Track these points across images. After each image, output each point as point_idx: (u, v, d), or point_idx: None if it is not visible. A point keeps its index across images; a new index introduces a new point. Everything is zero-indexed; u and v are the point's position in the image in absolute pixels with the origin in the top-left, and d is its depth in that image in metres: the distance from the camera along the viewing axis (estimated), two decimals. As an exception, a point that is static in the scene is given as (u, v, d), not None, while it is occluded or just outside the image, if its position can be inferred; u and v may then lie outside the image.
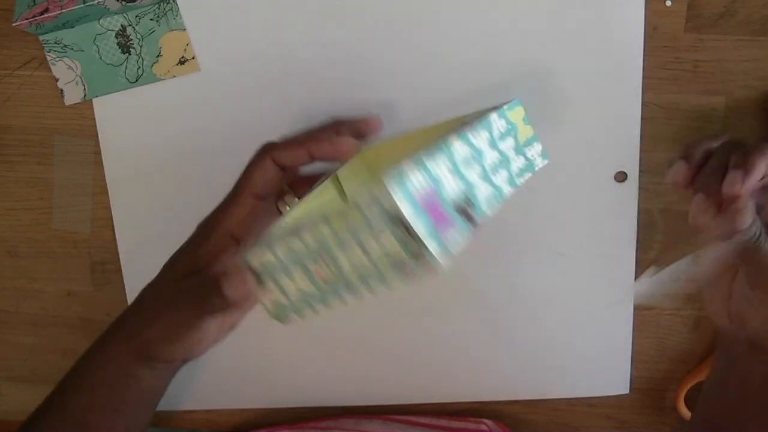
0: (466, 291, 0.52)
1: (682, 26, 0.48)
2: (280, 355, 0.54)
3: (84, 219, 0.52)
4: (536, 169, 0.42)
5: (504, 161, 0.40)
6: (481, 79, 0.48)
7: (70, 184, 0.51)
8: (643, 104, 0.49)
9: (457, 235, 0.33)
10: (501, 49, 0.48)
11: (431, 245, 0.31)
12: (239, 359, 0.54)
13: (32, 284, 0.53)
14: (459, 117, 0.43)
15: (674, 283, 0.43)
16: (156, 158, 0.50)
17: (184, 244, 0.43)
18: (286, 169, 0.41)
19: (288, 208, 0.43)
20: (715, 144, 0.40)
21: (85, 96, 0.49)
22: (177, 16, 0.47)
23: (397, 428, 0.53)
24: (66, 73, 0.48)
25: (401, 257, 0.32)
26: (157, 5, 0.47)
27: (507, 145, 0.40)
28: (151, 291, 0.43)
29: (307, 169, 0.43)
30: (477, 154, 0.37)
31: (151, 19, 0.47)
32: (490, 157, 0.39)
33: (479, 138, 0.38)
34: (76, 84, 0.49)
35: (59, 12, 0.44)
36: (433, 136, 0.39)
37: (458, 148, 0.36)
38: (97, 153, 0.50)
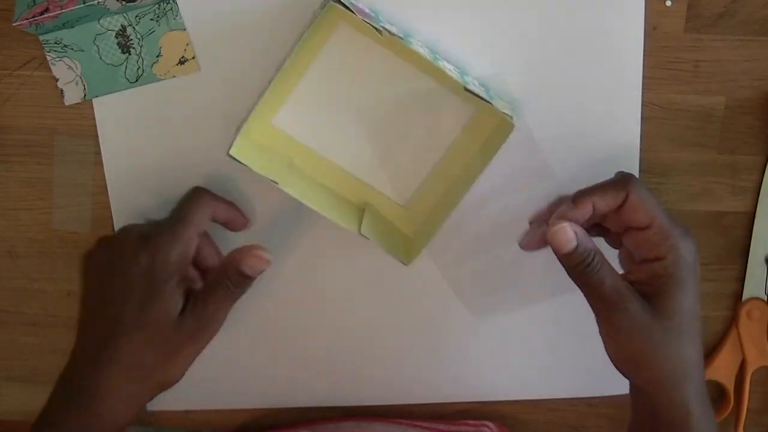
0: (465, 291, 0.52)
1: (682, 26, 0.48)
2: (280, 356, 0.54)
3: (84, 219, 0.52)
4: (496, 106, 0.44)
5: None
6: (480, 79, 0.48)
7: (70, 184, 0.51)
8: (643, 104, 0.49)
9: None
10: (501, 49, 0.48)
11: None
12: (239, 359, 0.54)
13: (32, 284, 0.53)
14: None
15: None
16: (156, 158, 0.50)
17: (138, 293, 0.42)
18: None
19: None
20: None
21: (85, 96, 0.49)
22: (177, 16, 0.47)
23: (398, 431, 0.53)
24: (66, 73, 0.48)
25: None
26: (157, 5, 0.47)
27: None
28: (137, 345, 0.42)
29: None
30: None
31: (151, 19, 0.47)
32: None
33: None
34: (76, 84, 0.49)
35: (59, 12, 0.44)
36: None
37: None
38: (97, 153, 0.50)
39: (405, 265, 0.48)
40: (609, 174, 0.50)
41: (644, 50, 0.48)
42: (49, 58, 0.48)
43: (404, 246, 0.49)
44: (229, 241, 0.47)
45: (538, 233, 0.47)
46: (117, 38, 0.48)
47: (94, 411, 0.41)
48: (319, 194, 0.48)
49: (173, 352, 0.42)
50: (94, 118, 0.50)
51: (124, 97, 0.49)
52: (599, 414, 0.56)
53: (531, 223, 0.49)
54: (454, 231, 0.51)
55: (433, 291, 0.52)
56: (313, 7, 0.46)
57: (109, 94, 0.49)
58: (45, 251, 0.52)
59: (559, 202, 0.47)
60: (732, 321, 0.54)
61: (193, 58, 0.48)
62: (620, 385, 0.53)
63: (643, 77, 0.49)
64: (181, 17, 0.47)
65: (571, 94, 0.49)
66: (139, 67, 0.48)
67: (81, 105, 0.49)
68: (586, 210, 0.43)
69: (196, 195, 0.46)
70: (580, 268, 0.41)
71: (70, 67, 0.48)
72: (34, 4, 0.44)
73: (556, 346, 0.54)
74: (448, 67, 0.45)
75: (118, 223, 0.51)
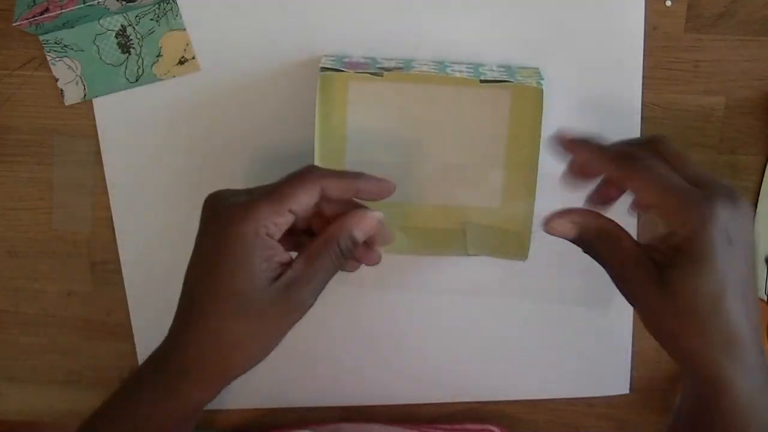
0: (465, 290, 0.52)
1: (682, 26, 0.48)
2: (280, 356, 0.54)
3: (84, 219, 0.52)
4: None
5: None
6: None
7: (70, 184, 0.51)
8: (643, 104, 0.49)
9: None
10: (500, 49, 0.48)
11: None
12: (239, 359, 0.54)
13: (32, 284, 0.53)
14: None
15: None
16: (156, 158, 0.50)
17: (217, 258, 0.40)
18: (326, 200, 0.41)
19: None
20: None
21: (85, 96, 0.49)
22: (177, 16, 0.47)
23: None
24: (66, 73, 0.48)
25: None
26: (157, 5, 0.47)
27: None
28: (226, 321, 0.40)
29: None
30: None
31: (151, 19, 0.47)
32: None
33: None
34: (76, 84, 0.49)
35: (59, 12, 0.44)
36: None
37: None
38: (97, 153, 0.50)
39: (523, 261, 0.47)
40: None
41: (644, 50, 0.48)
42: (49, 58, 0.48)
43: (516, 243, 0.49)
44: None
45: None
46: (117, 38, 0.48)
47: (179, 382, 0.41)
48: (416, 238, 0.49)
49: (264, 325, 0.40)
50: (94, 118, 0.50)
51: (124, 97, 0.49)
52: (599, 414, 0.56)
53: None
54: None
55: (433, 291, 0.52)
56: (313, 7, 0.46)
57: (109, 94, 0.49)
58: (45, 251, 0.52)
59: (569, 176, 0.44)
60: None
61: (193, 58, 0.48)
62: (620, 385, 0.53)
63: (643, 77, 0.49)
64: (181, 17, 0.47)
65: (571, 93, 0.49)
66: (139, 67, 0.48)
67: (81, 105, 0.49)
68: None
69: (302, 170, 0.41)
70: (593, 246, 0.40)
71: (70, 67, 0.48)
72: (34, 4, 0.44)
73: (556, 346, 0.54)
74: (458, 70, 0.46)
75: (118, 223, 0.51)
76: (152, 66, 0.48)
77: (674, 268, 0.36)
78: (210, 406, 0.55)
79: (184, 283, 0.41)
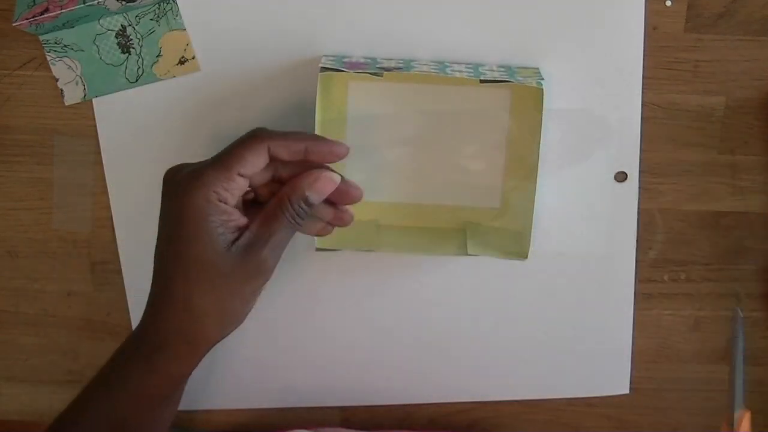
0: (465, 290, 0.52)
1: (682, 26, 0.48)
2: (279, 355, 0.54)
3: (84, 219, 0.52)
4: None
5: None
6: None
7: (70, 184, 0.51)
8: (643, 104, 0.49)
9: None
10: (500, 49, 0.48)
11: None
12: (238, 359, 0.54)
13: (32, 284, 0.53)
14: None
15: None
16: (156, 158, 0.50)
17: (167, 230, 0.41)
18: (275, 161, 0.41)
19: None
20: None
21: (85, 96, 0.49)
22: (177, 16, 0.47)
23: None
24: (66, 73, 0.48)
25: None
26: (157, 5, 0.47)
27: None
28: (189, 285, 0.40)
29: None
30: None
31: (151, 19, 0.47)
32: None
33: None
34: (76, 84, 0.49)
35: (59, 12, 0.44)
36: None
37: None
38: (97, 153, 0.50)
39: (523, 260, 0.47)
40: (609, 174, 0.50)
41: (644, 50, 0.48)
42: (49, 58, 0.48)
43: (516, 243, 0.49)
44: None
45: None
46: (117, 38, 0.48)
47: (155, 356, 0.41)
48: (416, 237, 0.49)
49: (229, 289, 0.40)
50: (94, 118, 0.50)
51: (124, 97, 0.49)
52: (599, 414, 0.56)
53: None
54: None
55: (434, 291, 0.52)
56: (313, 6, 0.46)
57: (109, 94, 0.49)
58: (45, 251, 0.52)
59: None
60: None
61: (193, 58, 0.48)
62: (620, 385, 0.53)
63: (643, 77, 0.49)
64: (181, 17, 0.47)
65: (571, 94, 0.49)
66: (139, 67, 0.48)
67: (81, 105, 0.49)
68: None
69: (249, 133, 0.42)
70: None
71: (70, 67, 0.48)
72: (34, 4, 0.44)
73: (555, 346, 0.54)
74: (458, 70, 0.46)
75: (118, 223, 0.51)
76: (152, 66, 0.48)
77: None
78: (209, 407, 0.55)
79: (154, 260, 0.42)
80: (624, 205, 0.51)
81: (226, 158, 0.40)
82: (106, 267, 0.53)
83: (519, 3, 0.47)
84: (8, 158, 0.51)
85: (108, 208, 0.51)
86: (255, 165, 0.40)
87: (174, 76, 0.49)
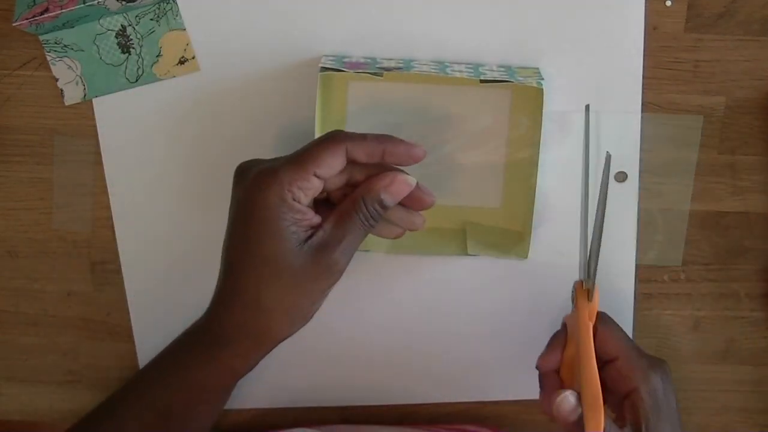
0: (465, 290, 0.52)
1: (682, 26, 0.48)
2: (279, 355, 0.54)
3: (84, 219, 0.52)
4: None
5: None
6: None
7: (70, 184, 0.51)
8: (643, 104, 0.49)
9: None
10: (500, 49, 0.48)
11: None
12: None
13: (32, 284, 0.53)
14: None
15: None
16: (156, 158, 0.50)
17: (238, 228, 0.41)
18: (351, 163, 0.41)
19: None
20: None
21: (85, 96, 0.49)
22: (177, 16, 0.47)
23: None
24: (66, 73, 0.48)
25: None
26: (157, 5, 0.47)
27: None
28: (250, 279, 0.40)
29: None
30: None
31: (151, 19, 0.47)
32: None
33: None
34: (76, 84, 0.49)
35: (59, 12, 0.44)
36: None
37: None
38: (97, 153, 0.50)
39: (523, 260, 0.48)
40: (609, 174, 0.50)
41: (644, 50, 0.48)
42: (49, 58, 0.48)
43: (516, 243, 0.49)
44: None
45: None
46: (117, 38, 0.48)
47: (218, 350, 0.41)
48: (416, 237, 0.49)
49: (299, 288, 0.40)
50: (94, 118, 0.50)
51: (124, 97, 0.49)
52: (599, 414, 0.56)
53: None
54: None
55: (434, 291, 0.52)
56: (313, 6, 0.46)
57: (109, 94, 0.49)
58: (45, 251, 0.52)
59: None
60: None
61: (193, 58, 0.48)
62: (620, 385, 0.52)
63: (643, 77, 0.49)
64: (181, 17, 0.47)
65: (571, 94, 0.49)
66: (139, 67, 0.48)
67: (81, 105, 0.49)
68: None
69: (327, 133, 0.41)
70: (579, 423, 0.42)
71: (70, 67, 0.48)
72: (34, 4, 0.44)
73: (556, 346, 0.53)
74: (458, 70, 0.46)
75: (118, 223, 0.51)
76: (152, 66, 0.48)
77: (639, 424, 0.42)
78: (210, 406, 0.55)
79: (222, 255, 0.42)
80: (624, 205, 0.51)
81: (302, 158, 0.40)
82: (106, 267, 0.53)
83: (519, 3, 0.47)
84: (8, 158, 0.51)
85: (108, 208, 0.51)
86: (332, 167, 0.40)
87: (174, 76, 0.49)
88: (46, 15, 0.44)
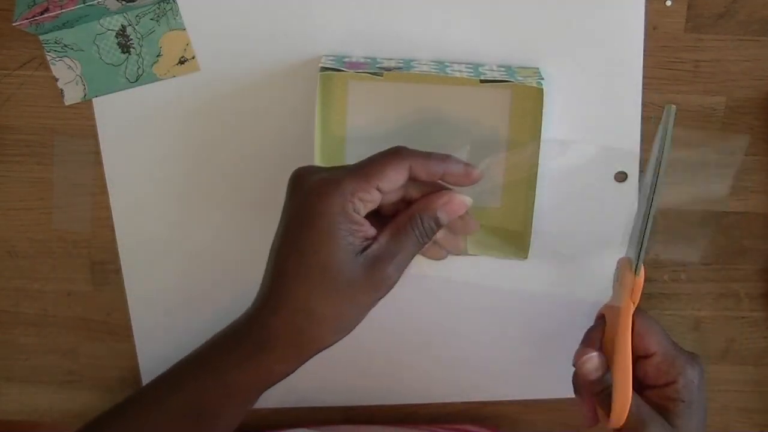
0: (465, 290, 0.52)
1: (682, 26, 0.48)
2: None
3: (84, 219, 0.52)
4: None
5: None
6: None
7: (70, 184, 0.51)
8: (643, 104, 0.49)
9: None
10: (500, 49, 0.48)
11: None
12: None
13: (32, 284, 0.53)
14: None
15: None
16: (156, 158, 0.50)
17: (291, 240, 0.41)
18: (413, 183, 0.42)
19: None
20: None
21: (85, 96, 0.49)
22: (177, 16, 0.47)
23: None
24: (66, 73, 0.48)
25: None
26: (157, 5, 0.47)
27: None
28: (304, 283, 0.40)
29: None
30: None
31: (151, 19, 0.47)
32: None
33: None
34: (76, 84, 0.49)
35: (59, 12, 0.44)
36: None
37: None
38: (97, 153, 0.50)
39: (523, 260, 0.48)
40: (609, 174, 0.50)
41: (644, 50, 0.48)
42: (49, 58, 0.48)
43: (516, 243, 0.49)
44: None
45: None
46: (117, 38, 0.48)
47: (259, 353, 0.41)
48: None
49: (348, 297, 0.40)
50: (94, 118, 0.50)
51: (124, 97, 0.49)
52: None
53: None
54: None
55: (433, 291, 0.52)
56: (313, 6, 0.46)
57: (109, 94, 0.49)
58: (45, 251, 0.52)
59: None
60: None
61: (193, 58, 0.48)
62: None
63: (643, 77, 0.49)
64: (181, 17, 0.47)
65: (571, 93, 0.49)
66: (139, 67, 0.48)
67: (81, 105, 0.49)
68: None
69: (391, 149, 0.42)
70: (605, 394, 0.43)
71: (70, 67, 0.48)
72: (34, 4, 0.44)
73: (556, 346, 0.53)
74: (458, 70, 0.46)
75: (118, 223, 0.51)
76: (152, 66, 0.48)
77: (672, 414, 0.44)
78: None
79: (270, 259, 0.42)
80: (624, 205, 0.51)
81: (367, 170, 0.40)
82: (106, 267, 0.53)
83: (519, 3, 0.47)
84: (8, 158, 0.51)
85: (108, 208, 0.51)
86: (394, 181, 0.41)
87: (174, 76, 0.49)
88: (46, 15, 0.44)
